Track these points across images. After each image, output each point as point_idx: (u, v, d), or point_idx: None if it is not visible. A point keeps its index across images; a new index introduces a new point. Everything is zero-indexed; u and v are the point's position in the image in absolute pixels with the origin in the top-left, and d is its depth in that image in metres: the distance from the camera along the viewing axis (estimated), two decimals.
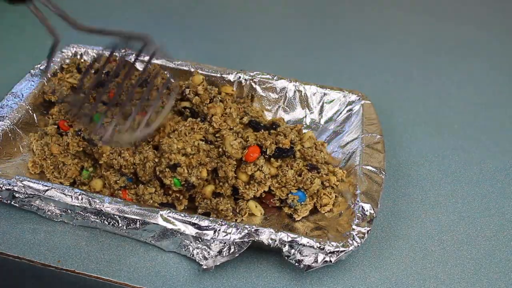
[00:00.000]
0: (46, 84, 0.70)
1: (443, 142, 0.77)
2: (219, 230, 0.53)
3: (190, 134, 0.60)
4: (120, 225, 0.56)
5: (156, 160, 0.59)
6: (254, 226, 0.54)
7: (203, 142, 0.60)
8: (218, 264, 0.53)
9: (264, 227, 0.54)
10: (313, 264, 0.52)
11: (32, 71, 0.71)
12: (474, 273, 0.59)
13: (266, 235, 0.53)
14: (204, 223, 0.54)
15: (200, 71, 0.74)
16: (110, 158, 0.59)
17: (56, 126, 0.65)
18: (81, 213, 0.57)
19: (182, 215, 0.54)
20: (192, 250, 0.55)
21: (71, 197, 0.55)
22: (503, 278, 0.58)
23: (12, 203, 0.57)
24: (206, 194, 0.59)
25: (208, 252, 0.54)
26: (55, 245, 0.57)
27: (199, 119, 0.64)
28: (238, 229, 0.53)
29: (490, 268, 0.59)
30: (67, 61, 0.75)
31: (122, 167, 0.59)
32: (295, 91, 0.74)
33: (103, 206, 0.55)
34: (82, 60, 0.75)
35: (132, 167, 0.59)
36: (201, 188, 0.59)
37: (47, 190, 0.55)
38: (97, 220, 0.57)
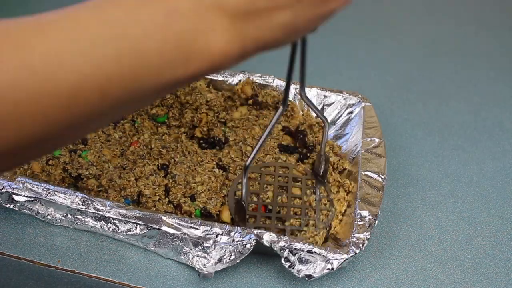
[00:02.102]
0: None
1: (443, 142, 0.76)
2: (222, 234, 0.53)
3: (203, 162, 0.62)
4: (120, 230, 0.56)
5: (169, 185, 0.60)
6: (256, 230, 0.53)
7: (217, 169, 0.62)
8: (218, 270, 0.53)
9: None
10: (313, 274, 0.52)
11: None
12: (474, 273, 0.59)
13: (269, 238, 0.53)
14: (207, 227, 0.54)
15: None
16: (97, 194, 0.59)
17: None
18: (81, 218, 0.56)
19: (185, 219, 0.54)
20: (192, 258, 0.54)
21: (73, 200, 0.55)
22: (503, 278, 0.58)
23: (11, 207, 0.57)
24: (224, 219, 0.58)
25: (208, 260, 0.53)
26: (55, 245, 0.57)
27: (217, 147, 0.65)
28: (241, 232, 0.53)
29: (490, 268, 0.59)
30: None
31: (124, 192, 0.59)
32: (295, 94, 0.74)
33: (105, 209, 0.54)
34: None
35: (136, 193, 0.59)
36: (218, 213, 0.59)
37: (49, 192, 0.55)
38: (97, 225, 0.56)
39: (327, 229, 0.58)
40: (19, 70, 0.26)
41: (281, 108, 0.51)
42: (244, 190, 0.55)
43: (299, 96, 0.72)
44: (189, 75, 0.31)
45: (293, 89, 0.74)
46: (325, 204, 0.60)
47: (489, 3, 1.17)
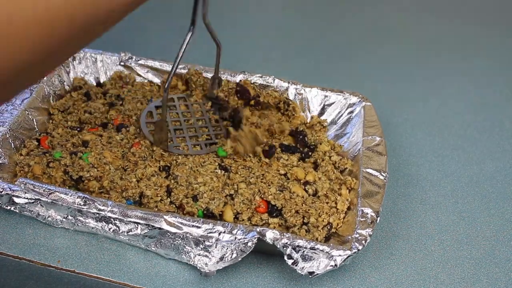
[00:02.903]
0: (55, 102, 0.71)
1: (443, 142, 0.77)
2: (224, 232, 0.53)
3: (205, 164, 0.63)
4: (121, 231, 0.55)
5: (171, 186, 0.60)
6: (259, 227, 0.53)
7: (219, 170, 0.62)
8: (220, 268, 0.53)
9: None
10: (317, 271, 0.52)
11: None
12: (474, 273, 0.59)
13: (271, 235, 0.53)
14: (209, 225, 0.53)
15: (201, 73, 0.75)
16: (98, 196, 0.59)
17: (36, 142, 0.64)
18: (82, 219, 0.56)
19: (187, 218, 0.54)
20: (194, 257, 0.54)
21: (74, 200, 0.55)
22: (503, 278, 0.58)
23: (12, 209, 0.57)
24: (227, 219, 0.58)
25: (210, 259, 0.53)
26: (55, 245, 0.57)
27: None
28: (243, 230, 0.53)
29: (490, 268, 0.59)
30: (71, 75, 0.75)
31: (126, 193, 0.59)
32: (295, 94, 0.74)
33: (106, 209, 0.54)
34: (85, 82, 0.75)
35: (137, 194, 0.59)
36: (220, 213, 0.59)
37: (51, 193, 0.55)
38: (98, 226, 0.56)
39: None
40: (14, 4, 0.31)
41: (191, 28, 0.59)
42: (164, 111, 0.62)
43: (299, 96, 0.73)
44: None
45: (294, 89, 0.74)
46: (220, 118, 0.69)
47: (489, 3, 1.17)
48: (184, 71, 0.75)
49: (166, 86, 0.60)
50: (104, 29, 0.40)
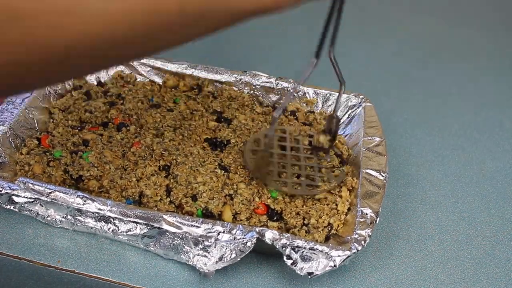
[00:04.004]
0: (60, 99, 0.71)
1: (443, 142, 0.77)
2: (224, 231, 0.53)
3: (205, 163, 0.62)
4: (120, 230, 0.55)
5: (171, 186, 0.60)
6: (258, 227, 0.53)
7: (219, 170, 0.62)
8: (219, 268, 0.53)
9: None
10: (316, 272, 0.52)
11: None
12: (474, 273, 0.59)
13: (270, 236, 0.53)
14: (208, 225, 0.53)
15: (199, 73, 0.75)
16: (98, 195, 0.59)
17: (37, 141, 0.64)
18: (81, 219, 0.56)
19: (186, 218, 0.54)
20: (193, 257, 0.54)
21: (74, 200, 0.55)
22: (503, 278, 0.58)
23: (11, 208, 0.57)
24: (226, 219, 0.58)
25: (209, 259, 0.53)
26: (55, 246, 0.57)
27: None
28: (242, 230, 0.53)
29: (490, 268, 0.59)
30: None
31: (125, 192, 0.59)
32: (295, 94, 0.74)
33: (106, 209, 0.54)
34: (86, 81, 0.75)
35: (137, 194, 0.59)
36: (219, 213, 0.59)
37: (50, 192, 0.55)
38: (97, 226, 0.56)
39: (341, 185, 0.61)
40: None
41: (315, 62, 0.55)
42: (268, 142, 0.59)
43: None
44: (258, 9, 0.35)
45: (293, 89, 0.74)
46: (336, 165, 0.64)
47: (489, 3, 1.17)
48: (189, 72, 0.75)
49: (272, 121, 0.57)
50: (214, 31, 0.36)
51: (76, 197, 0.55)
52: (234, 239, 0.53)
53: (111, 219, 0.55)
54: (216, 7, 0.33)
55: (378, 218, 0.56)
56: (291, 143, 0.66)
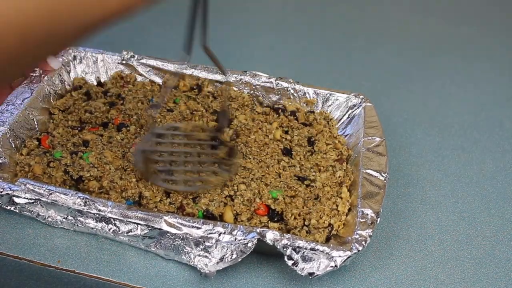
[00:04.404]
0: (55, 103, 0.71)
1: (443, 142, 0.77)
2: (224, 232, 0.53)
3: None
4: (120, 231, 0.55)
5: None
6: (259, 228, 0.53)
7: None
8: (219, 269, 0.53)
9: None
10: (317, 272, 0.52)
11: (32, 74, 0.71)
12: (474, 273, 0.59)
13: (272, 236, 0.53)
14: (209, 226, 0.53)
15: (199, 73, 0.75)
16: (98, 195, 0.59)
17: (37, 142, 0.64)
18: (82, 219, 0.56)
19: (186, 219, 0.54)
20: (193, 258, 0.54)
21: (74, 201, 0.55)
22: (503, 278, 0.58)
23: (12, 209, 0.57)
24: (227, 221, 0.58)
25: (210, 259, 0.53)
26: (55, 246, 0.57)
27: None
28: (243, 231, 0.53)
29: (490, 268, 0.59)
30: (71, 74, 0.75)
31: (125, 193, 0.59)
32: (295, 94, 0.74)
33: (107, 210, 0.54)
34: (85, 81, 0.75)
35: (137, 194, 0.59)
36: (220, 214, 0.59)
37: (51, 193, 0.55)
38: (97, 227, 0.56)
39: (232, 178, 0.61)
40: None
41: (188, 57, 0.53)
42: (150, 143, 0.60)
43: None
44: (106, 15, 0.35)
45: (293, 89, 0.74)
46: (227, 159, 0.64)
47: (489, 3, 1.17)
48: (189, 72, 0.75)
49: (152, 120, 0.57)
50: (72, 43, 0.37)
51: (77, 198, 0.55)
52: (235, 240, 0.53)
53: (112, 220, 0.55)
54: (62, 25, 0.33)
55: (378, 219, 0.56)
56: (186, 140, 0.66)
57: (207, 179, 0.60)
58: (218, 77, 0.75)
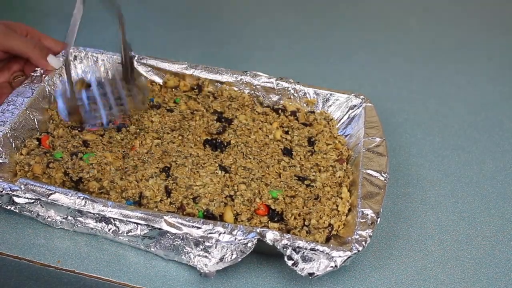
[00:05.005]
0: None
1: (443, 142, 0.77)
2: (224, 232, 0.53)
3: (206, 165, 0.63)
4: (120, 231, 0.55)
5: (171, 187, 0.60)
6: (259, 228, 0.53)
7: (220, 171, 0.62)
8: (219, 269, 0.53)
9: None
10: (317, 272, 0.52)
11: (33, 74, 0.71)
12: (474, 273, 0.59)
13: (272, 236, 0.53)
14: (209, 226, 0.53)
15: (200, 73, 0.75)
16: (98, 196, 0.59)
17: (37, 142, 0.64)
18: (82, 219, 0.56)
19: (186, 219, 0.54)
20: (193, 258, 0.54)
21: (75, 201, 0.55)
22: (503, 278, 0.58)
23: (12, 209, 0.57)
24: (228, 221, 0.58)
25: (210, 259, 0.53)
26: (54, 246, 0.57)
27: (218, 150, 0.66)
28: (243, 231, 0.53)
29: (490, 268, 0.59)
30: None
31: (126, 193, 0.59)
32: (295, 94, 0.74)
33: (107, 210, 0.54)
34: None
35: (137, 195, 0.59)
36: (221, 214, 0.59)
37: (51, 193, 0.55)
38: (97, 227, 0.56)
39: (147, 104, 0.68)
40: None
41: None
42: (68, 80, 0.62)
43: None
44: None
45: (293, 89, 0.74)
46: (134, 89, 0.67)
47: (489, 3, 1.17)
48: (189, 72, 0.75)
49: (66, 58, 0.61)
50: None
51: (77, 198, 0.55)
52: (235, 239, 0.53)
53: (112, 220, 0.55)
54: None
55: (378, 219, 0.56)
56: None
57: (125, 105, 0.65)
58: (219, 77, 0.75)
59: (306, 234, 0.56)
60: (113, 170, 0.61)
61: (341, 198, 0.61)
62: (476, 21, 1.10)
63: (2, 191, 0.55)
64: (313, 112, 0.73)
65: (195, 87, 0.75)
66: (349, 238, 0.54)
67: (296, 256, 0.52)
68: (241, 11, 1.09)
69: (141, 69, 0.77)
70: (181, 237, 0.53)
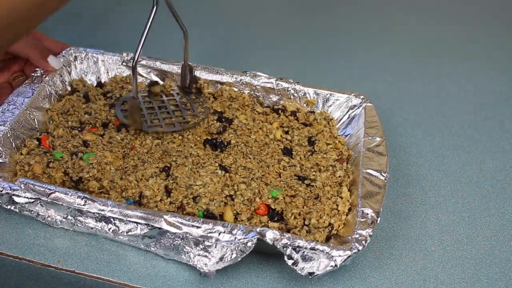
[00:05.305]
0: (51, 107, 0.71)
1: (443, 142, 0.77)
2: (224, 232, 0.53)
3: (206, 165, 0.63)
4: (120, 231, 0.55)
5: (171, 187, 0.60)
6: (259, 228, 0.53)
7: (220, 171, 0.62)
8: (219, 268, 0.53)
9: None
10: (317, 272, 0.52)
11: (33, 74, 0.71)
12: (474, 273, 0.59)
13: (271, 236, 0.53)
14: (209, 225, 0.54)
15: (200, 73, 0.75)
16: (98, 195, 0.59)
17: (37, 142, 0.64)
18: (81, 219, 0.56)
19: (186, 218, 0.54)
20: (193, 257, 0.54)
21: (74, 200, 0.55)
22: (503, 278, 0.58)
23: (12, 208, 0.57)
24: (228, 220, 0.58)
25: (210, 259, 0.53)
26: (55, 246, 0.57)
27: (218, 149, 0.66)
28: (243, 230, 0.53)
29: (490, 268, 0.59)
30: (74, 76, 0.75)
31: (126, 193, 0.59)
32: (295, 94, 0.74)
33: (106, 209, 0.54)
34: (86, 83, 0.75)
35: (137, 194, 0.59)
36: (221, 214, 0.59)
37: (51, 193, 0.55)
38: (97, 226, 0.56)
39: (206, 117, 0.69)
40: None
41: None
42: (134, 89, 0.63)
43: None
44: None
45: (293, 89, 0.74)
46: (198, 104, 0.72)
47: (489, 2, 1.17)
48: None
49: (133, 63, 0.61)
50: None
51: (77, 198, 0.55)
52: (235, 239, 0.53)
53: (112, 219, 0.55)
54: None
55: (379, 218, 0.56)
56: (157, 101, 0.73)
57: (186, 119, 0.68)
58: (218, 77, 0.75)
59: (306, 234, 0.57)
60: (113, 170, 0.61)
61: (341, 197, 0.61)
62: (476, 21, 1.10)
63: (2, 191, 0.55)
64: (313, 112, 0.73)
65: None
66: (349, 237, 0.54)
67: (296, 256, 0.52)
68: (241, 11, 1.09)
69: (141, 70, 0.77)
70: (181, 237, 0.54)
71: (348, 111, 0.72)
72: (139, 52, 0.60)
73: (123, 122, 0.67)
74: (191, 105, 0.71)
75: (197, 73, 0.76)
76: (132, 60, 0.62)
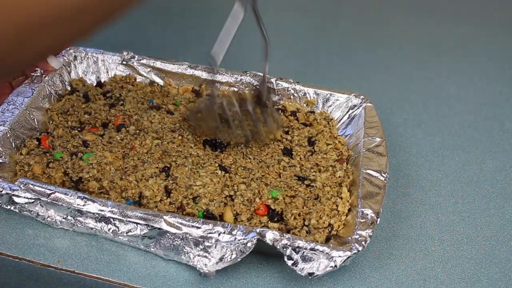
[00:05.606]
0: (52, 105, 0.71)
1: (443, 142, 0.77)
2: (224, 232, 0.53)
3: (205, 165, 0.63)
4: (120, 231, 0.55)
5: (170, 187, 0.60)
6: (259, 228, 0.54)
7: (220, 171, 0.62)
8: (219, 269, 0.53)
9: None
10: (316, 272, 0.52)
11: (33, 74, 0.71)
12: (474, 273, 0.59)
13: (271, 236, 0.53)
14: (208, 226, 0.53)
15: (200, 73, 0.75)
16: (98, 196, 0.59)
17: (37, 142, 0.64)
18: (81, 219, 0.56)
19: (186, 219, 0.54)
20: (193, 258, 0.54)
21: (74, 200, 0.55)
22: (503, 278, 0.58)
23: (12, 208, 0.57)
24: (228, 221, 0.58)
25: (209, 259, 0.53)
26: (54, 246, 0.57)
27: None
28: (243, 231, 0.53)
29: (490, 268, 0.59)
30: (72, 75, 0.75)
31: (125, 193, 0.59)
32: (295, 94, 0.74)
33: (106, 209, 0.54)
34: (86, 83, 0.75)
35: (137, 194, 0.59)
36: (220, 214, 0.59)
37: (51, 193, 0.55)
38: (97, 227, 0.56)
39: (281, 129, 0.67)
40: None
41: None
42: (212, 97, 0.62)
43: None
44: None
45: (293, 89, 0.74)
46: (272, 115, 0.67)
47: (489, 3, 1.17)
48: (189, 72, 0.76)
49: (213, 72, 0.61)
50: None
51: (77, 198, 0.55)
52: (235, 239, 0.53)
53: (112, 219, 0.55)
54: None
55: (378, 219, 0.56)
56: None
57: (259, 129, 0.65)
58: (218, 77, 0.75)
59: (306, 234, 0.56)
60: (113, 170, 0.61)
61: (341, 198, 0.61)
62: (476, 21, 1.10)
63: (2, 191, 0.55)
64: (313, 112, 0.73)
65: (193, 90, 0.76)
66: (349, 238, 0.54)
67: (296, 256, 0.52)
68: None
69: (141, 69, 0.77)
70: (181, 237, 0.53)
71: (348, 111, 0.72)
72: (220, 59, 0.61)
73: (196, 129, 0.66)
74: (265, 117, 0.67)
75: (198, 73, 0.76)
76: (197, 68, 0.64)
